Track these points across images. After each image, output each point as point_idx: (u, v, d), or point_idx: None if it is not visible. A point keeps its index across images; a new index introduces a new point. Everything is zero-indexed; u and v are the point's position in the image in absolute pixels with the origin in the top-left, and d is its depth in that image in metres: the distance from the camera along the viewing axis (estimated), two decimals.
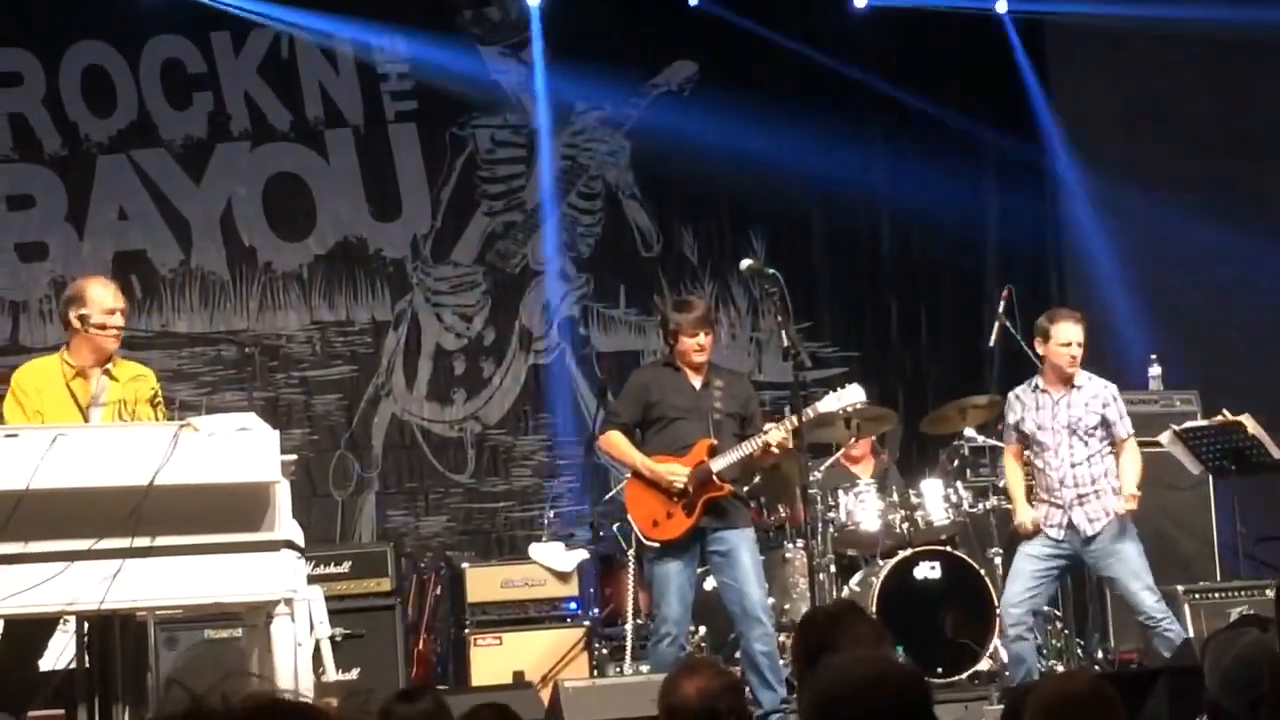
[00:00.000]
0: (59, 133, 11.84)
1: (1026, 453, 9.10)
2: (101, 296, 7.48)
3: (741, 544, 8.63)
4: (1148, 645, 9.13)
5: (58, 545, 6.42)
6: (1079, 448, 8.86)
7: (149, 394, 7.53)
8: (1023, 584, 8.88)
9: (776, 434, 8.56)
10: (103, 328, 7.40)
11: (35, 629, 7.16)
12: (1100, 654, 10.28)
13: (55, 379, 7.41)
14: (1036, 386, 9.01)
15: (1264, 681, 3.89)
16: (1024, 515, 9.03)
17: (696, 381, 8.75)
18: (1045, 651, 10.08)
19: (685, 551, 8.64)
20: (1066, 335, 8.92)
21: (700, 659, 8.18)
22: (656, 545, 8.62)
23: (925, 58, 12.84)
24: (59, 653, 7.74)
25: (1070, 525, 8.82)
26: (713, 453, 8.61)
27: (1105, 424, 8.88)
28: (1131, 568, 8.82)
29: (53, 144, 11.83)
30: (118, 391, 7.46)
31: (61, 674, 7.58)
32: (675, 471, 8.55)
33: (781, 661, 8.76)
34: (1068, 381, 8.92)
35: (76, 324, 7.40)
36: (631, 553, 9.73)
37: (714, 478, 8.56)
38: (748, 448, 8.60)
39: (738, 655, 8.87)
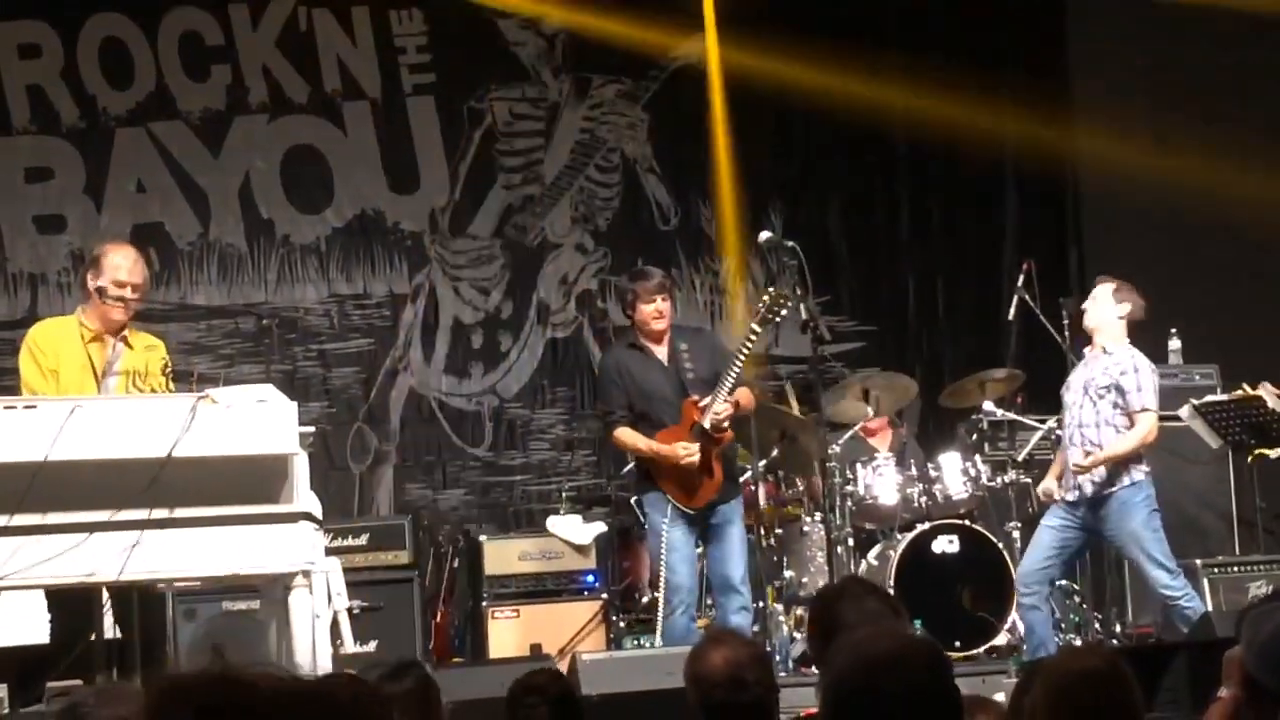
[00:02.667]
0: (77, 105, 11.84)
1: None
2: (115, 266, 7.46)
3: (734, 518, 8.79)
4: (1166, 620, 9.12)
5: (76, 517, 6.43)
6: (1088, 409, 8.80)
7: (160, 364, 7.54)
8: (1038, 553, 8.88)
9: (718, 408, 8.59)
10: (117, 297, 7.38)
11: (84, 599, 7.15)
12: (1118, 628, 10.27)
13: (72, 339, 7.41)
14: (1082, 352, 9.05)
15: None
16: (1044, 482, 9.06)
17: (662, 354, 8.79)
18: (1064, 625, 10.08)
19: (691, 523, 8.70)
20: None
21: (727, 630, 8.19)
22: (674, 511, 8.65)
23: (943, 22, 12.76)
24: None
25: (1078, 487, 8.81)
26: (700, 410, 8.64)
27: (1120, 391, 8.78)
28: (1143, 547, 8.76)
29: (71, 116, 11.83)
30: (131, 360, 7.47)
31: (80, 645, 7.59)
32: (686, 447, 8.57)
33: (799, 633, 8.81)
34: (1100, 345, 8.90)
35: (90, 285, 7.41)
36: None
37: (709, 432, 8.57)
38: (725, 386, 8.59)
39: (756, 627, 8.90)
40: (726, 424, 8.62)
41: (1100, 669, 3.75)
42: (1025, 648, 9.03)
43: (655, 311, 8.74)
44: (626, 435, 8.82)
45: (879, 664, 3.09)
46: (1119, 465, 8.75)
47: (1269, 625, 4.06)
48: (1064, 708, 3.67)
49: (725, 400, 8.57)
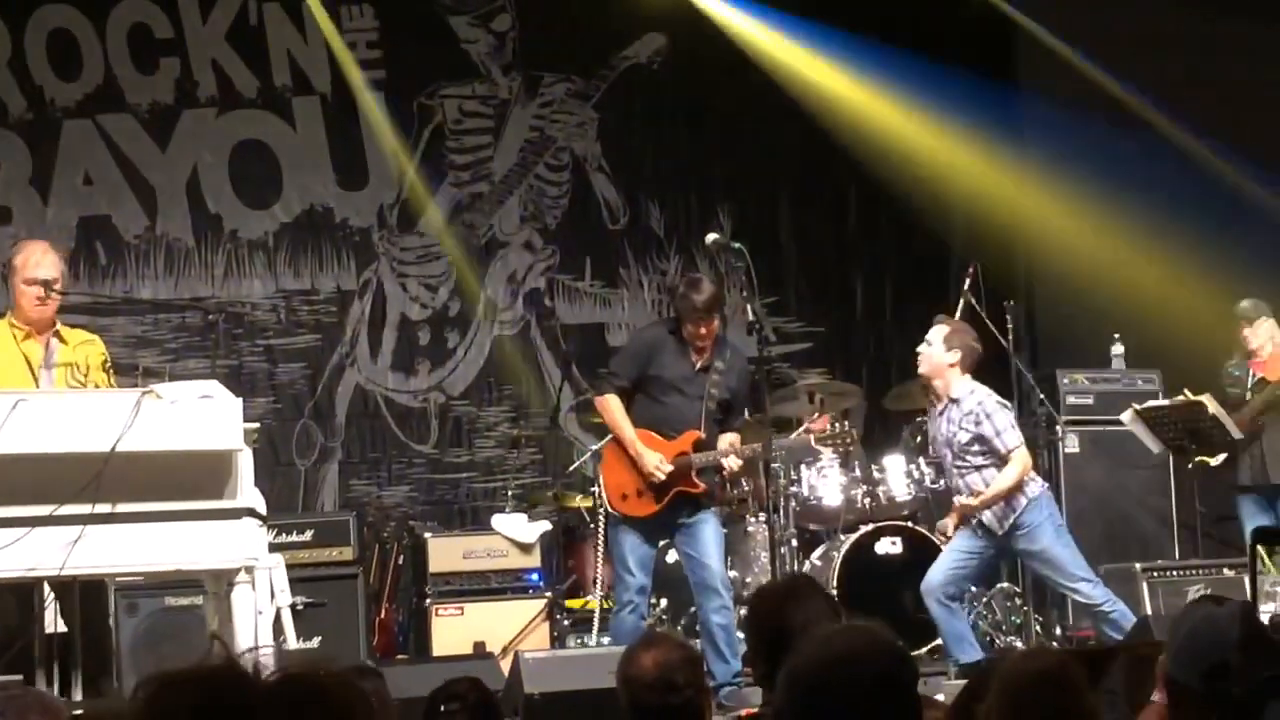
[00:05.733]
0: (24, 96, 11.76)
1: None
2: (23, 264, 7.44)
3: (705, 517, 8.69)
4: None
5: (18, 511, 6.41)
6: (961, 461, 8.87)
7: (100, 359, 7.52)
8: (939, 572, 8.93)
9: (733, 461, 8.69)
10: (36, 296, 7.36)
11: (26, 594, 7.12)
12: (1059, 630, 10.34)
13: (4, 341, 7.39)
14: (932, 397, 9.05)
15: (1237, 630, 3.94)
16: (942, 520, 9.18)
17: (697, 360, 8.72)
18: (1005, 627, 10.14)
19: (650, 522, 8.68)
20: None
21: (660, 633, 8.21)
22: (618, 515, 8.67)
23: (896, 29, 12.78)
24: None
25: (983, 524, 8.84)
26: (698, 447, 8.62)
27: (983, 440, 8.80)
28: (1061, 568, 8.81)
29: (18, 107, 11.75)
30: (68, 354, 7.46)
31: (22, 640, 7.56)
32: (660, 466, 8.56)
33: (741, 634, 8.81)
34: (947, 394, 8.91)
35: (16, 288, 7.41)
36: (602, 525, 9.74)
37: (692, 475, 8.58)
38: (724, 457, 8.68)
39: (698, 628, 8.91)
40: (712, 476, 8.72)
41: (1054, 670, 3.77)
42: (947, 651, 9.06)
43: (699, 334, 8.65)
44: (616, 407, 8.70)
45: (841, 660, 3.08)
46: (1015, 494, 8.79)
47: (1186, 625, 4.12)
48: (1020, 709, 3.68)
49: (730, 458, 8.66)
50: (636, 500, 8.65)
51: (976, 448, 8.80)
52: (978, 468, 8.81)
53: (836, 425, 9.35)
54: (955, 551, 8.93)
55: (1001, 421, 8.81)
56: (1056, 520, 8.89)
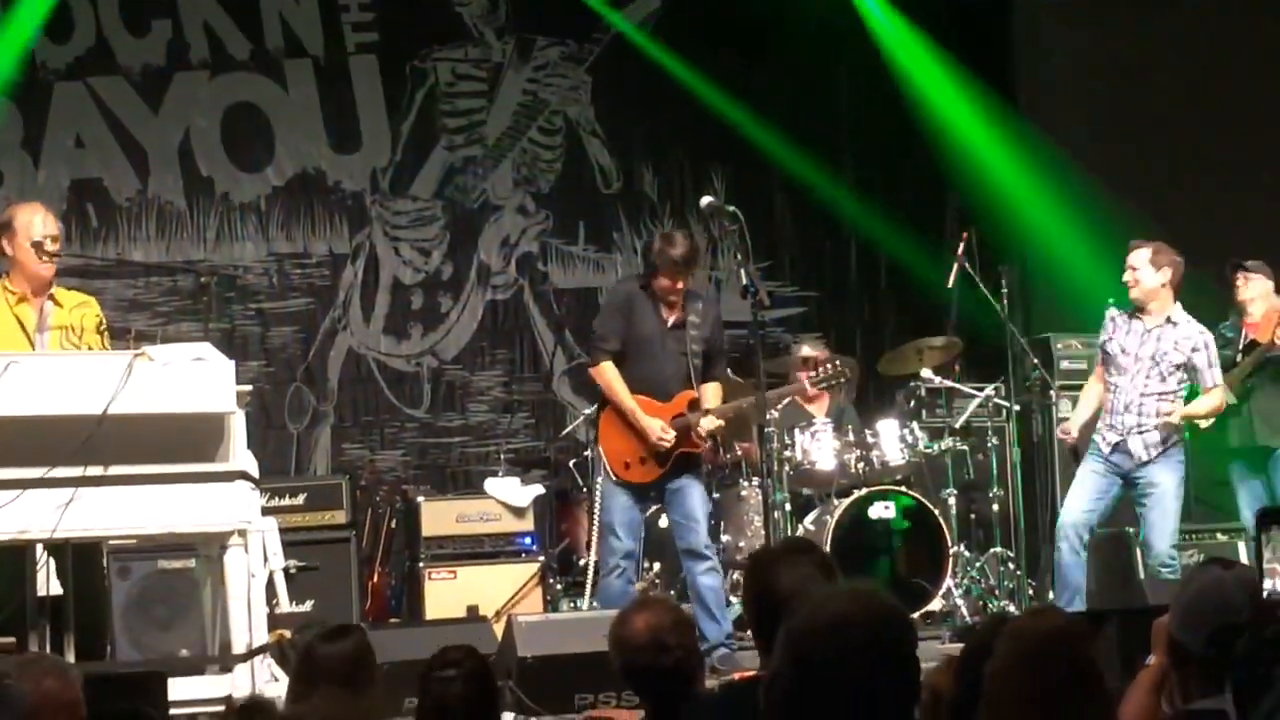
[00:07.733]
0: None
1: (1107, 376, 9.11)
2: (28, 224, 7.42)
3: (692, 481, 8.71)
4: (1099, 586, 9.18)
5: (10, 473, 6.41)
6: (1154, 381, 8.88)
7: (95, 322, 7.50)
8: (1081, 496, 8.96)
9: (709, 422, 8.65)
10: (52, 252, 7.35)
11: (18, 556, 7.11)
12: (1051, 595, 10.34)
13: None
14: (1134, 312, 9.01)
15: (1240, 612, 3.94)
16: (1072, 421, 9.22)
17: (670, 317, 8.71)
18: (998, 592, 10.16)
19: (645, 485, 8.69)
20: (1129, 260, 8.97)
21: (652, 596, 8.23)
22: (614, 480, 8.66)
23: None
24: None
25: (1125, 450, 8.86)
26: (694, 407, 8.61)
27: (1190, 369, 8.88)
28: (1163, 514, 8.85)
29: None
30: (63, 317, 7.44)
31: (14, 602, 7.55)
32: (663, 437, 8.56)
33: (735, 598, 8.83)
34: (1163, 314, 8.92)
35: (9, 249, 7.38)
36: (597, 486, 9.75)
37: (692, 435, 8.58)
38: (730, 406, 8.73)
39: (689, 591, 8.92)
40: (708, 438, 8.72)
41: (1065, 628, 3.74)
42: (1057, 597, 9.07)
43: (674, 288, 8.62)
44: (613, 375, 8.67)
45: (840, 622, 3.07)
46: (1173, 428, 8.89)
47: (1191, 588, 4.12)
48: (1031, 668, 3.65)
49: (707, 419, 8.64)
50: (640, 467, 8.65)
51: (1179, 374, 8.88)
52: (1161, 395, 8.86)
53: (829, 366, 9.34)
54: (1088, 489, 8.95)
55: (1215, 357, 8.98)
56: (1184, 471, 8.96)
